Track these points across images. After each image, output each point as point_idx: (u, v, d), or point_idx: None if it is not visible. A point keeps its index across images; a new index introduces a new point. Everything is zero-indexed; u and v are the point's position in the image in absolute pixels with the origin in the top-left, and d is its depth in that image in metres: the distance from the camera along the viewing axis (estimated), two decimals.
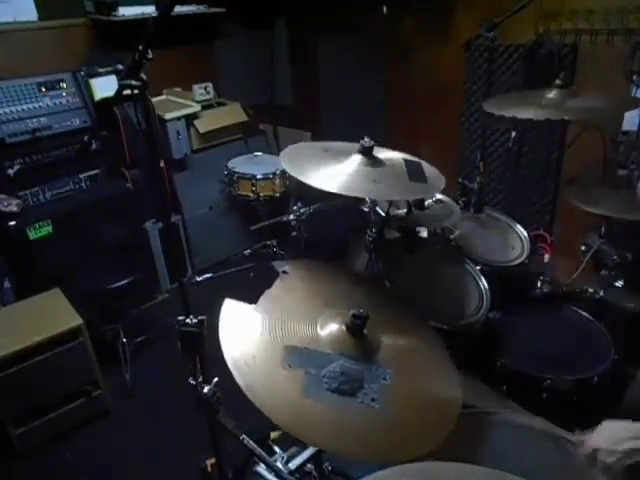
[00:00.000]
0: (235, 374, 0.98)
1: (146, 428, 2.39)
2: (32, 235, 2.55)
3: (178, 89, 3.57)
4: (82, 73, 2.81)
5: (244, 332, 1.09)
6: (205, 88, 3.42)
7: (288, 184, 3.35)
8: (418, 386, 1.16)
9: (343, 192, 1.27)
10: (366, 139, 1.42)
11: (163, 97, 3.49)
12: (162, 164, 2.89)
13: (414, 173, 1.42)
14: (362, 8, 3.26)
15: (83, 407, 2.39)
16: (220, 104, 3.53)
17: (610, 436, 1.05)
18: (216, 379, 1.16)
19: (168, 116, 3.16)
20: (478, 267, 1.84)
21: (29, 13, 2.85)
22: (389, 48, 3.37)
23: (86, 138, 2.76)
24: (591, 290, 1.93)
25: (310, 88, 3.93)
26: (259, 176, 3.26)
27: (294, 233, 3.20)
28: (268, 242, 3.58)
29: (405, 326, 1.30)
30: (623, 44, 2.38)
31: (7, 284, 2.57)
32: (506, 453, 1.21)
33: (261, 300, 1.18)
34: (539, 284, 2.07)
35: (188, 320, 1.12)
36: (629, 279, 1.83)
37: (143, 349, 2.81)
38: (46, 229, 2.59)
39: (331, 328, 1.13)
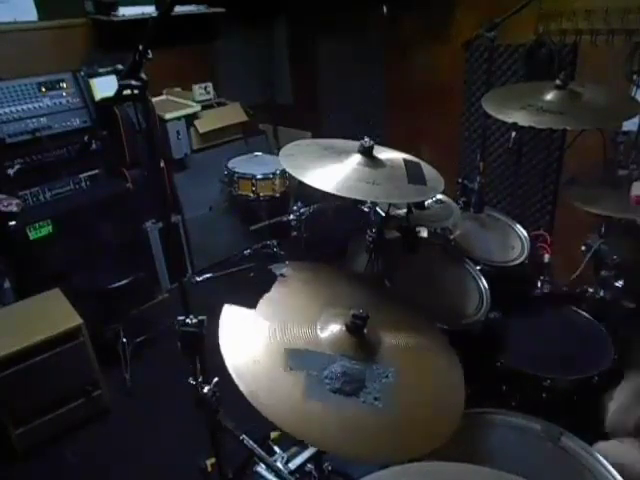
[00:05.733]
0: (237, 382, 0.97)
1: (146, 428, 2.39)
2: (32, 235, 2.54)
3: (178, 89, 3.57)
4: (82, 73, 2.80)
5: (244, 338, 1.08)
6: (205, 88, 3.42)
7: (288, 184, 3.35)
8: (421, 383, 1.15)
9: (341, 193, 1.26)
10: (366, 139, 1.41)
11: (163, 97, 3.49)
12: (162, 164, 2.89)
13: (413, 175, 1.41)
14: (362, 8, 3.26)
15: (83, 407, 2.39)
16: (220, 104, 3.53)
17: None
18: (216, 379, 1.16)
19: (168, 116, 3.16)
20: (478, 267, 1.84)
21: (29, 13, 2.85)
22: (389, 48, 3.38)
23: (86, 138, 2.76)
24: (591, 290, 1.92)
25: (310, 88, 3.93)
26: (259, 176, 3.25)
27: (294, 233, 3.19)
28: (268, 242, 3.57)
29: (406, 325, 1.30)
30: (623, 44, 2.38)
31: (7, 284, 2.56)
32: (506, 453, 1.21)
33: (260, 304, 1.18)
34: (539, 284, 2.07)
35: (188, 320, 1.12)
36: (629, 279, 1.83)
37: (143, 349, 2.81)
38: (46, 229, 2.58)
39: (331, 329, 1.13)
